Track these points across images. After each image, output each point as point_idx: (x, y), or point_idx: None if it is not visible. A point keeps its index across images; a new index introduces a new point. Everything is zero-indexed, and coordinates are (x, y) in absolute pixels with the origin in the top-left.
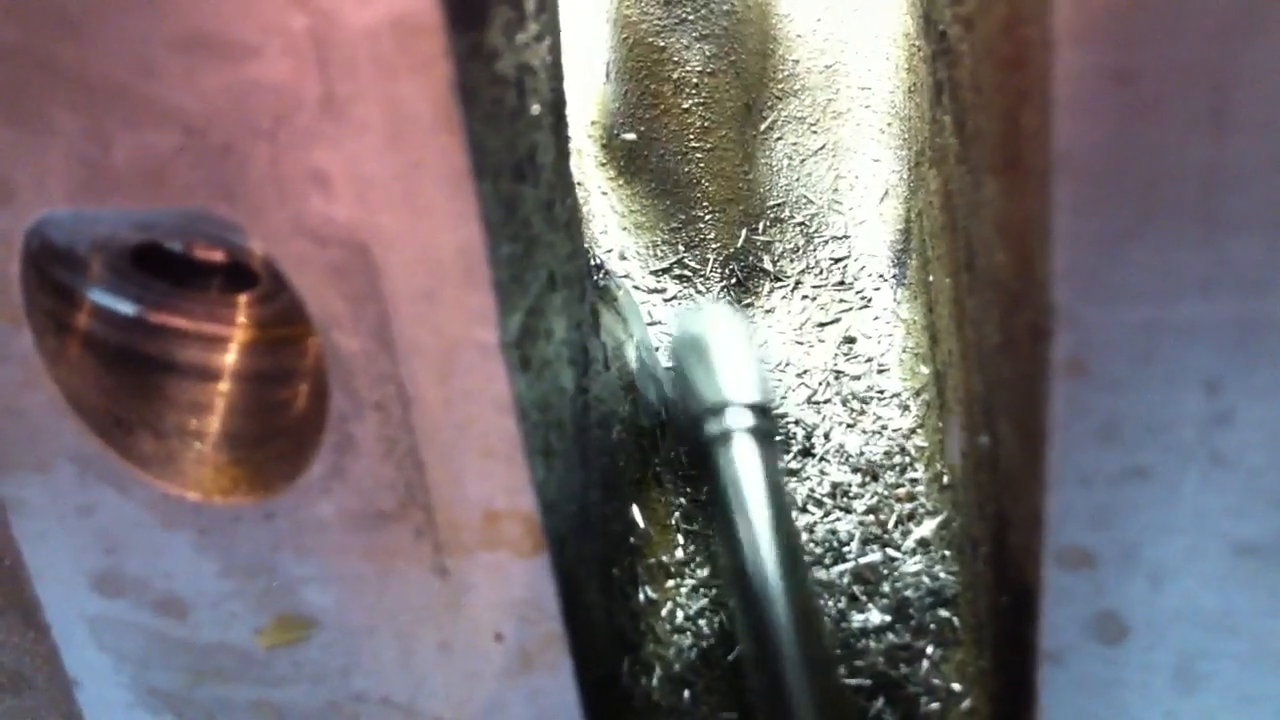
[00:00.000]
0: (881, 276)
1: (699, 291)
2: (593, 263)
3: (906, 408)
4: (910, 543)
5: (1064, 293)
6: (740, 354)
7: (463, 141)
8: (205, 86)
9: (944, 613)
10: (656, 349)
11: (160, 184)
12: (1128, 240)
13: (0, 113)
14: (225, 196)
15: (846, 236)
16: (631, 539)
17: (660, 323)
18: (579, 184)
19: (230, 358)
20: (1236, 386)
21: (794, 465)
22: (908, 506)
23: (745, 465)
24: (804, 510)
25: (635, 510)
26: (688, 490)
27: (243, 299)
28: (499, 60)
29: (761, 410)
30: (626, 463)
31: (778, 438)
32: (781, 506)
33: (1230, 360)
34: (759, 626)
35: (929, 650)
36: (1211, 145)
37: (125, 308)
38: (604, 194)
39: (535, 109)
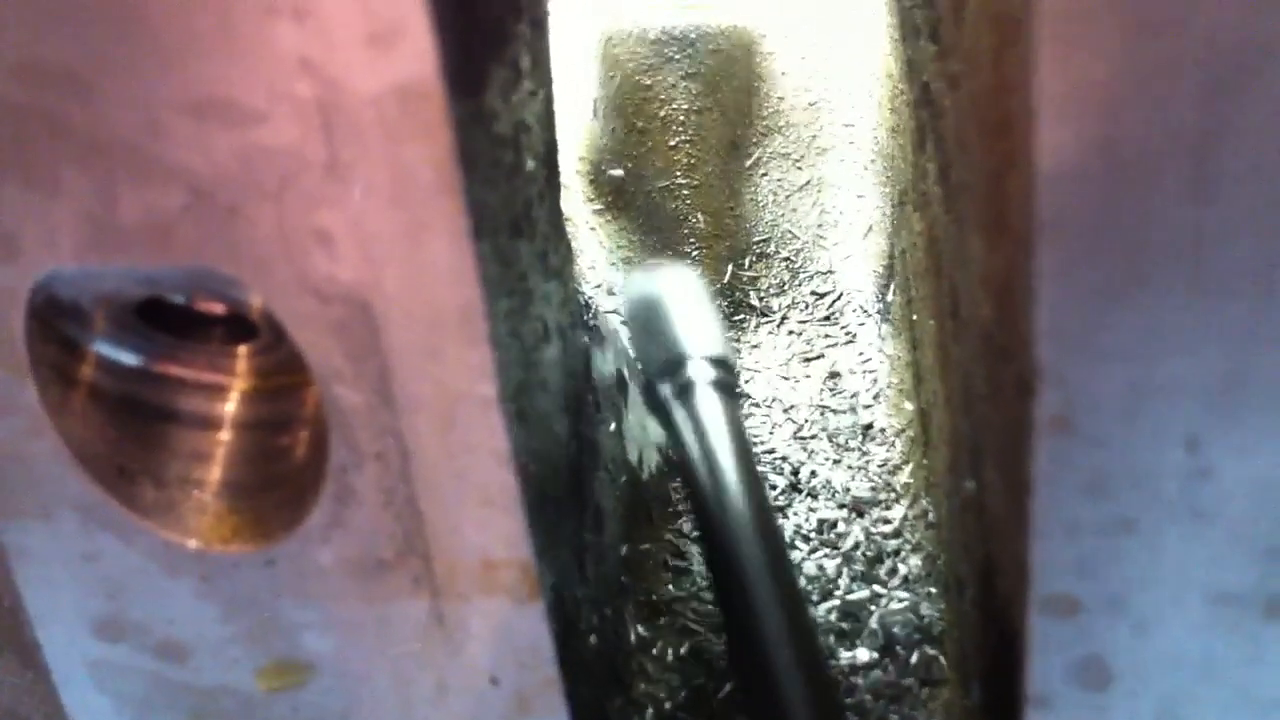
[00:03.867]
0: (866, 311)
1: None
2: (581, 300)
3: (892, 444)
4: (896, 580)
5: (1049, 351)
6: (696, 310)
7: (463, 203)
8: (213, 149)
9: (929, 649)
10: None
11: (166, 243)
12: (1111, 301)
13: (9, 170)
14: (230, 255)
15: (831, 272)
16: (623, 578)
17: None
18: (567, 219)
19: (231, 407)
20: (1217, 443)
21: (781, 502)
22: (893, 543)
23: (708, 416)
24: (791, 546)
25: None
26: (675, 526)
27: (243, 349)
28: (497, 121)
29: (721, 363)
30: (617, 501)
31: (738, 389)
32: (746, 452)
33: (1211, 418)
34: (728, 568)
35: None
36: (1192, 210)
37: (128, 359)
38: (592, 229)
39: (531, 164)
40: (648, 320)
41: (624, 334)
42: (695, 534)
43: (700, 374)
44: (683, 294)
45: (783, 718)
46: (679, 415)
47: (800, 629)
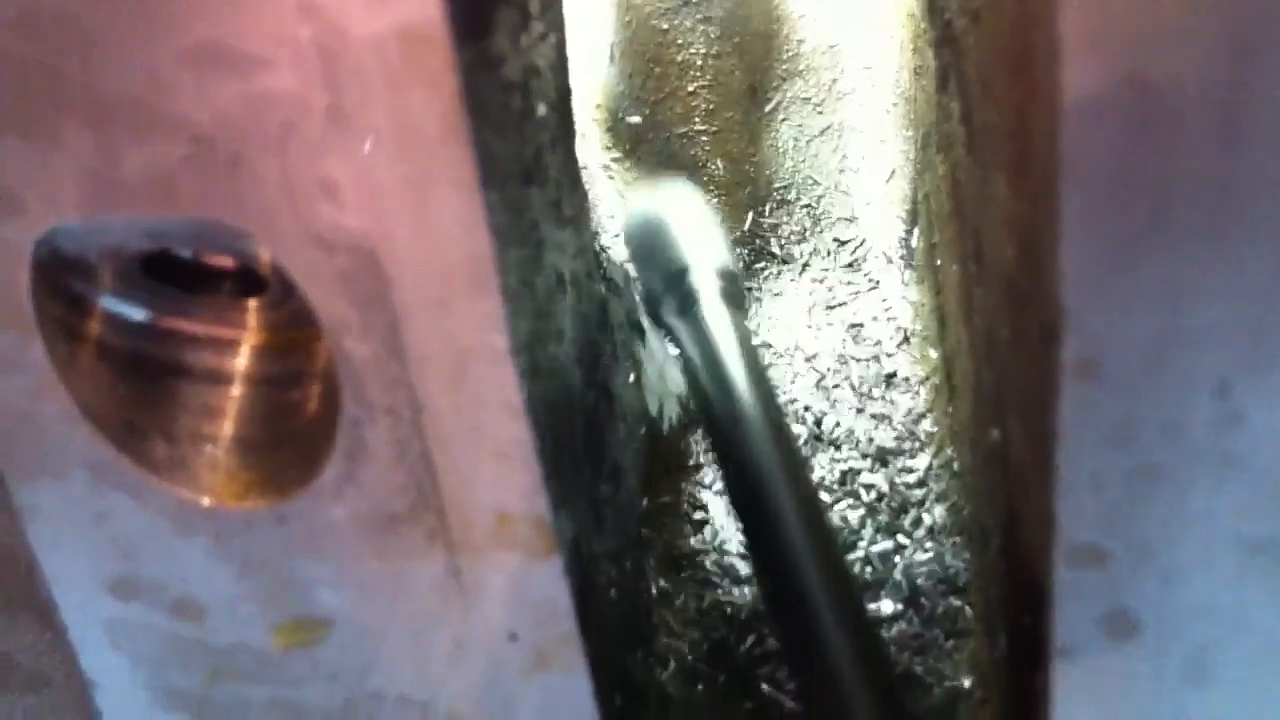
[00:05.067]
0: (889, 258)
1: None
2: (597, 249)
3: (916, 392)
4: (921, 530)
5: (1074, 296)
6: (698, 224)
7: (470, 150)
8: (214, 98)
9: (955, 601)
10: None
11: (170, 194)
12: (1138, 246)
13: (9, 125)
14: (235, 206)
15: (854, 218)
16: (643, 531)
17: None
18: (583, 167)
19: (241, 361)
20: (1247, 389)
21: (804, 451)
22: (918, 493)
23: (715, 325)
24: None
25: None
26: (697, 479)
27: (253, 303)
28: (505, 65)
29: (726, 274)
30: (636, 454)
31: (744, 300)
32: (755, 358)
33: (1241, 364)
34: (744, 469)
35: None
36: (1222, 154)
37: (136, 314)
38: (610, 178)
39: (542, 110)
40: (648, 235)
41: (624, 251)
42: (713, 460)
43: (705, 285)
44: (683, 208)
45: (808, 623)
46: (684, 328)
47: (823, 537)
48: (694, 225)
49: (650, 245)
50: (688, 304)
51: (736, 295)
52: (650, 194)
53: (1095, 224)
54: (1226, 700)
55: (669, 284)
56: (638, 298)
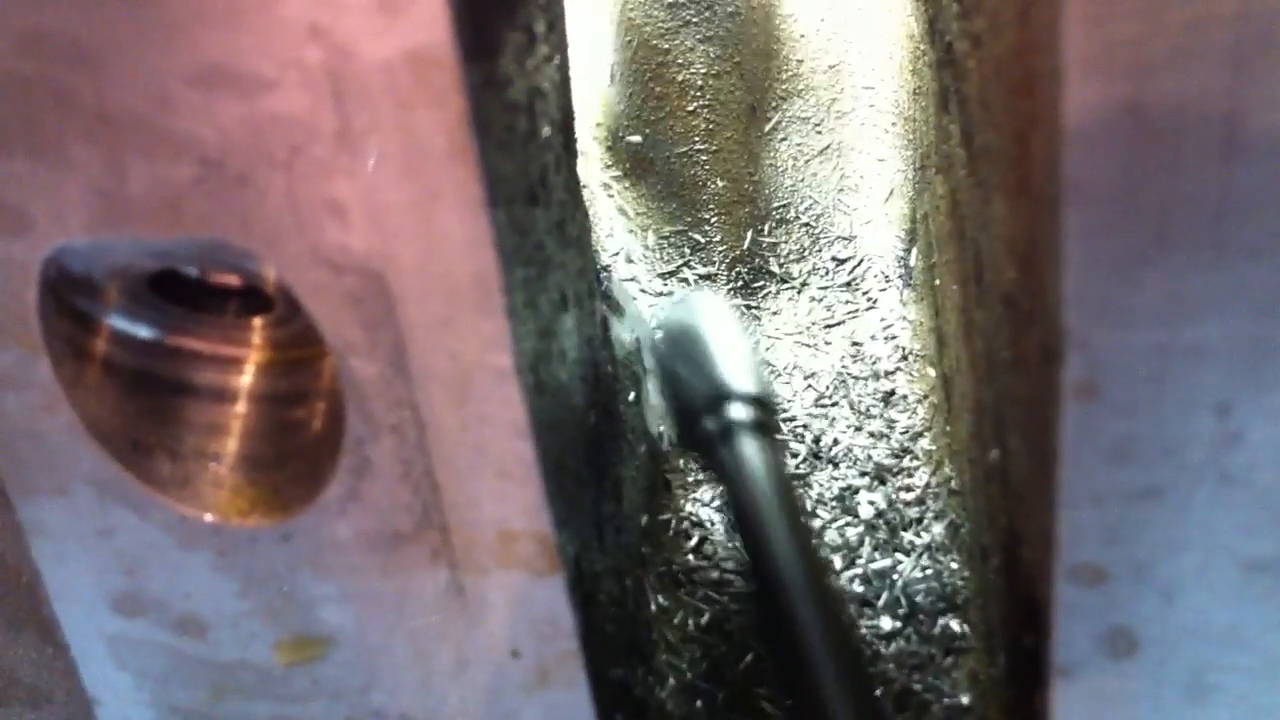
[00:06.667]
0: (888, 278)
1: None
2: (599, 268)
3: (914, 411)
4: (919, 548)
5: (1075, 317)
6: (734, 345)
7: (477, 171)
8: (221, 119)
9: (953, 619)
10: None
11: (177, 214)
12: (1139, 265)
13: (17, 144)
14: (241, 226)
15: (853, 237)
16: (643, 548)
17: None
18: (584, 186)
19: (246, 379)
20: (1247, 408)
21: (802, 469)
22: (916, 511)
23: (749, 463)
24: (812, 514)
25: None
26: (695, 495)
27: (258, 322)
28: (511, 87)
29: (761, 403)
30: (637, 471)
31: (779, 431)
32: (791, 503)
33: (1241, 382)
34: (784, 633)
35: (939, 657)
36: (1222, 173)
37: (142, 332)
38: (610, 196)
39: (547, 131)
40: (682, 353)
41: (654, 365)
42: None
43: (741, 416)
44: (718, 328)
45: None
46: (720, 458)
47: (858, 678)
48: (729, 347)
49: (684, 364)
50: (725, 434)
51: (771, 426)
52: (682, 308)
53: (1097, 245)
54: (1227, 718)
55: (704, 409)
56: (670, 416)
